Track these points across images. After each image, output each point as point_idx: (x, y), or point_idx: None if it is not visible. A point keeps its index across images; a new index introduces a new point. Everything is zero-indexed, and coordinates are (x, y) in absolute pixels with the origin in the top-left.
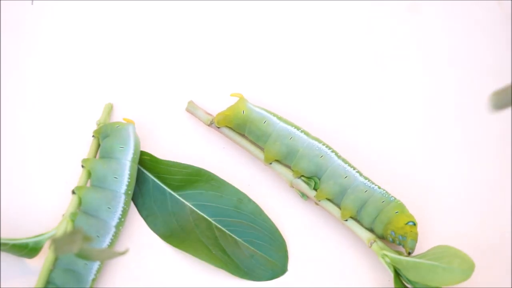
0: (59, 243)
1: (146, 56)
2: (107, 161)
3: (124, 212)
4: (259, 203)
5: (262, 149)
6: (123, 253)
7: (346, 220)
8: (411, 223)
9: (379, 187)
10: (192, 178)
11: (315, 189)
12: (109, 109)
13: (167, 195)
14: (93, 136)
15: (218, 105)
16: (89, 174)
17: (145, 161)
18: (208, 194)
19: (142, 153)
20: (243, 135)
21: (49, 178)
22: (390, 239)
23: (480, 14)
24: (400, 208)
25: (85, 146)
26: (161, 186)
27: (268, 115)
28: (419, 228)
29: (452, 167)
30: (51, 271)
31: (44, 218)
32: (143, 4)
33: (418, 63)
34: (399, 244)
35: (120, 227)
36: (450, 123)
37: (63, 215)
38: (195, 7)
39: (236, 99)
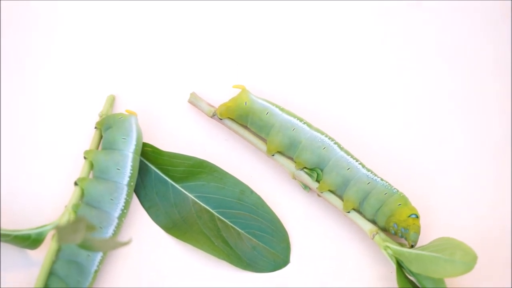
0: (62, 232)
1: (148, 48)
2: (109, 152)
3: (127, 204)
4: (262, 194)
5: (264, 140)
6: (126, 243)
7: (349, 212)
8: (413, 216)
9: (381, 179)
10: (194, 170)
11: (317, 180)
12: (112, 100)
13: (170, 186)
14: (95, 127)
15: (220, 96)
16: (92, 166)
17: (147, 153)
18: (211, 186)
19: (145, 145)
20: (245, 127)
21: (52, 170)
22: (393, 231)
23: (480, 14)
24: (403, 200)
25: (87, 137)
26: (164, 178)
27: (271, 106)
28: (422, 220)
29: (455, 159)
30: (53, 262)
31: (46, 210)
32: None
33: (420, 58)
34: (402, 236)
35: (123, 219)
36: (452, 116)
37: (66, 206)
38: None
39: (238, 90)
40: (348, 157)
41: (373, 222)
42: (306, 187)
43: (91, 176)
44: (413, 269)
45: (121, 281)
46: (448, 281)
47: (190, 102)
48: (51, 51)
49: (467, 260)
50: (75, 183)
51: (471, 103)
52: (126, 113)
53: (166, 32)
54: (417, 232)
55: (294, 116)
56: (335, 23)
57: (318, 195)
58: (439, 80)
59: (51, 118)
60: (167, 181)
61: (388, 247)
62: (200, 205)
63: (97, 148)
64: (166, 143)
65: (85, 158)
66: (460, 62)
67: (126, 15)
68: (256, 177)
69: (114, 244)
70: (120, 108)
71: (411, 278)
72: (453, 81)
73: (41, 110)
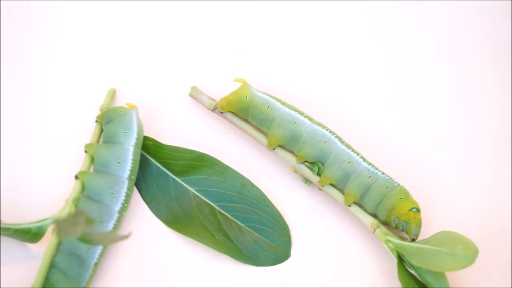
0: (62, 225)
1: (149, 41)
2: (110, 146)
3: (128, 197)
4: (263, 188)
5: (265, 134)
6: (126, 237)
7: (350, 206)
8: (414, 209)
9: (383, 173)
10: (195, 164)
11: (318, 174)
12: (112, 94)
13: (170, 180)
14: (96, 121)
15: (221, 90)
16: (92, 159)
17: (148, 146)
18: (212, 179)
19: (145, 138)
20: (246, 120)
21: (52, 164)
22: (394, 225)
23: (480, 14)
24: (404, 194)
25: (88, 131)
26: (164, 171)
27: (272, 100)
28: (423, 214)
29: (456, 153)
30: (54, 255)
31: (47, 203)
32: None
33: (420, 57)
34: (403, 230)
35: (124, 212)
36: (453, 111)
37: (66, 200)
38: None
39: (239, 84)
40: (349, 151)
41: (374, 216)
42: (307, 180)
43: (91, 169)
44: (414, 263)
45: (122, 274)
46: (449, 281)
47: (191, 95)
48: (51, 45)
49: (468, 253)
50: (76, 177)
51: (471, 98)
52: (127, 107)
53: (167, 26)
54: (418, 226)
55: (295, 110)
56: (335, 19)
57: (319, 189)
58: (440, 74)
59: (52, 112)
60: (168, 174)
61: (389, 240)
62: (201, 199)
63: (98, 141)
64: (167, 136)
65: (85, 151)
66: (460, 62)
67: (126, 9)
68: (257, 171)
69: (114, 237)
70: (121, 102)
71: (412, 272)
72: (453, 79)
73: (42, 104)
